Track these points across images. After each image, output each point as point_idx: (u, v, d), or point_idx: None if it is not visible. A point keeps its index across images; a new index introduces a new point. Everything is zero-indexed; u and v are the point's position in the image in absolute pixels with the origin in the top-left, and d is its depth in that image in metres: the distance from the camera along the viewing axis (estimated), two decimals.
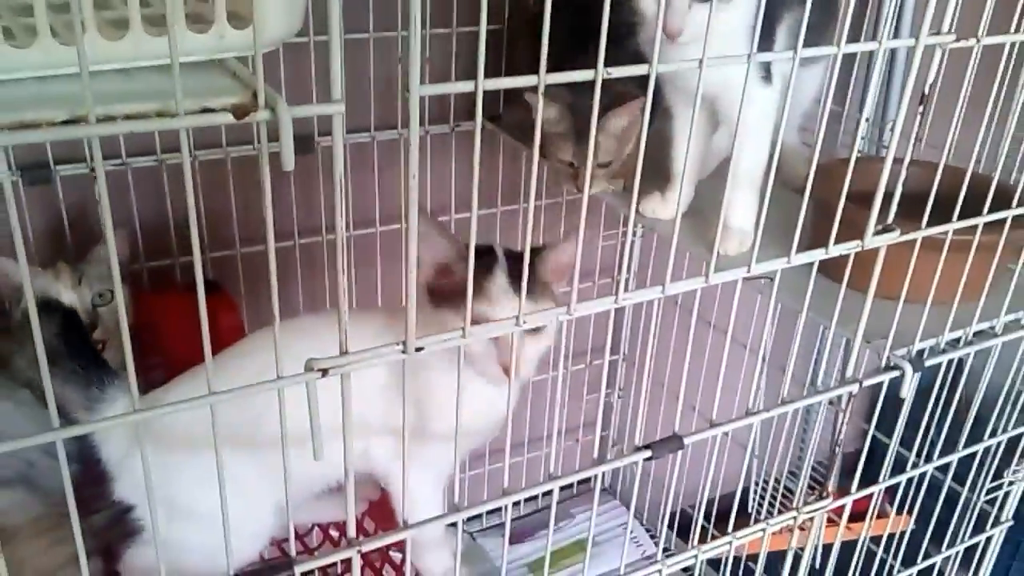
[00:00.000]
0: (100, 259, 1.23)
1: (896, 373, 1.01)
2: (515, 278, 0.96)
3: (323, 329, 0.77)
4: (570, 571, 1.78)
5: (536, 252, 0.95)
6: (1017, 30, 0.90)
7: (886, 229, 0.89)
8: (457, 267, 0.96)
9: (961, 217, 1.01)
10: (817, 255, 0.87)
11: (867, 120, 1.68)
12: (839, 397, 1.08)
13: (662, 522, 1.74)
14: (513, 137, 1.49)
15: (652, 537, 1.96)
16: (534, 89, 0.65)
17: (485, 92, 0.61)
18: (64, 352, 0.92)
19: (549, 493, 1.89)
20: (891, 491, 1.35)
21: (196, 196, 0.89)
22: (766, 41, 1.10)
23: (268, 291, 0.61)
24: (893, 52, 1.77)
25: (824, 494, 1.09)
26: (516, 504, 1.93)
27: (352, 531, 0.74)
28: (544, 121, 1.26)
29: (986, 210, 1.01)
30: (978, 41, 0.83)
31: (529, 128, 1.26)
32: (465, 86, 0.61)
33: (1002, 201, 1.06)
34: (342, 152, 0.56)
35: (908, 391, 1.02)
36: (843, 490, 1.30)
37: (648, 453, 0.82)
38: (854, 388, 0.99)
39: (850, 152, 1.54)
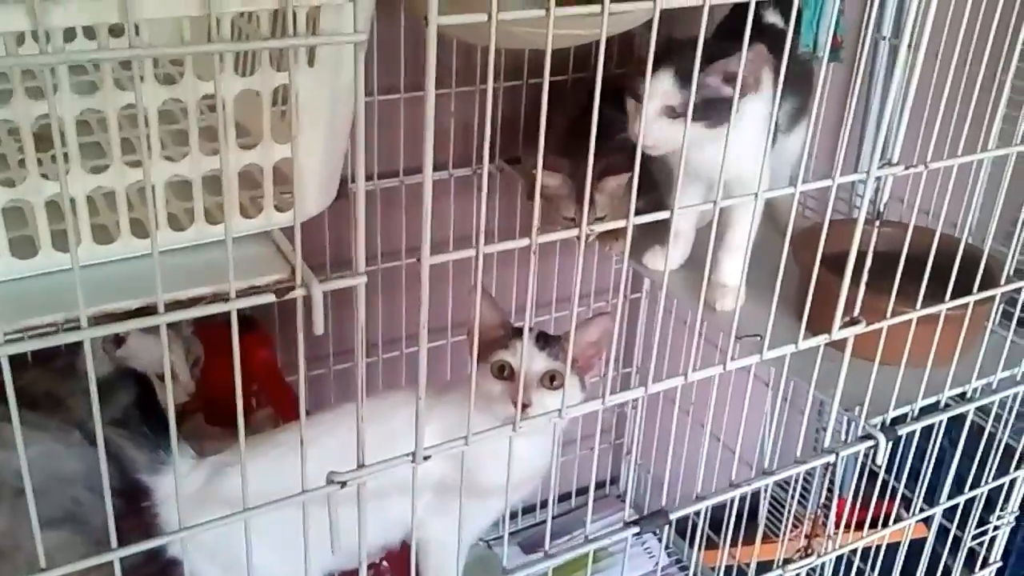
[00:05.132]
0: None
1: (871, 443, 1.07)
2: (542, 343, 1.07)
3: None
4: None
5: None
6: (962, 154, 0.98)
7: (853, 321, 0.98)
8: (498, 333, 1.08)
9: (931, 281, 1.06)
10: (788, 350, 0.97)
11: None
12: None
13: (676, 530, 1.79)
14: (528, 183, 1.58)
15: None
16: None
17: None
18: (137, 417, 1.01)
19: (566, 499, 2.00)
20: (906, 501, 1.41)
21: None
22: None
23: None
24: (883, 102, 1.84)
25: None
26: (531, 511, 2.02)
27: None
28: (549, 187, 1.38)
29: (948, 295, 1.08)
30: (926, 167, 0.92)
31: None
32: (466, 253, 0.70)
33: (971, 263, 1.09)
34: (363, 314, 0.65)
35: (882, 459, 1.08)
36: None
37: (636, 529, 0.92)
38: (831, 458, 1.06)
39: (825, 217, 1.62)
